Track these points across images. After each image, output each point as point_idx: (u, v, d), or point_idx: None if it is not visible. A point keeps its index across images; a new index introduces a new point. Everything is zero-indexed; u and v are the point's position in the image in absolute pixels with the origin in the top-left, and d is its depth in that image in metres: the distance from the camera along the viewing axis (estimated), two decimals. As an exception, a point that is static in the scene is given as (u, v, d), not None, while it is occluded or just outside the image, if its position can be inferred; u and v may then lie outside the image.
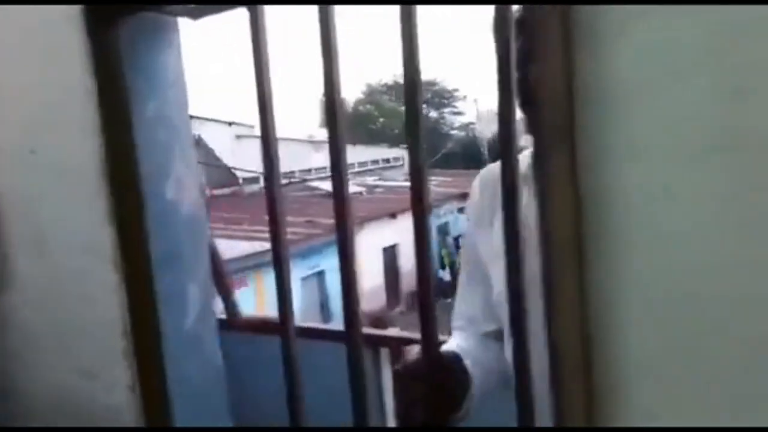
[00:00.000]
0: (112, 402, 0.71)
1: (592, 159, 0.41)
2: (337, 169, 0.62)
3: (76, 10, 0.65)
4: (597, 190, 0.41)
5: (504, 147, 0.50)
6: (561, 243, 0.45)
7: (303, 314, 7.99)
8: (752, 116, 0.36)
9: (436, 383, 0.65)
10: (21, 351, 0.80)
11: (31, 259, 0.77)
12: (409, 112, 0.55)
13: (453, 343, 0.78)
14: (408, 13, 0.52)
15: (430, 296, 0.58)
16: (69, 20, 0.65)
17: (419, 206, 0.56)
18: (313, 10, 0.60)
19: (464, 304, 0.89)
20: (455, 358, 0.71)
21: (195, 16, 0.73)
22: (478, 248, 0.84)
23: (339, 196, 0.61)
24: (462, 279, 0.87)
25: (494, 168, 0.87)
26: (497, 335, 0.79)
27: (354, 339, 0.61)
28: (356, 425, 0.61)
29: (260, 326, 1.49)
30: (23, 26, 0.70)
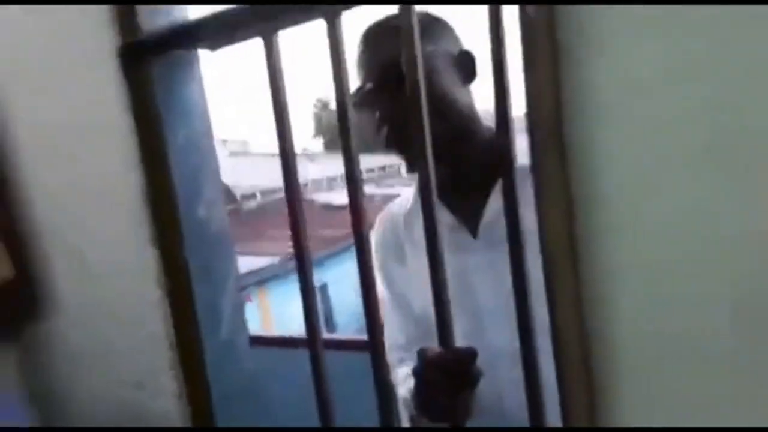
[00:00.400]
0: (160, 409, 0.76)
1: (580, 165, 0.47)
2: (352, 180, 0.67)
3: (111, 51, 0.71)
4: (587, 193, 0.47)
5: (503, 151, 0.55)
6: (556, 243, 0.49)
7: (309, 326, 8.02)
8: (721, 129, 0.42)
9: (458, 373, 0.70)
10: (70, 373, 0.86)
11: (76, 284, 0.83)
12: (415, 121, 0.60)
13: (403, 371, 0.85)
14: (408, 14, 0.56)
15: (443, 292, 0.62)
16: (105, 61, 0.72)
17: (430, 213, 0.62)
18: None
19: (397, 334, 0.98)
20: (470, 349, 0.75)
21: (213, 48, 0.79)
22: (393, 277, 0.96)
23: (355, 205, 0.66)
24: (386, 312, 0.97)
25: (390, 208, 1.00)
26: None
27: (376, 346, 0.66)
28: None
29: (286, 340, 1.55)
30: (62, 68, 0.77)
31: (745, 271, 0.43)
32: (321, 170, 14.97)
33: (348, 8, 0.63)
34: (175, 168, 0.76)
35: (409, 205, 0.97)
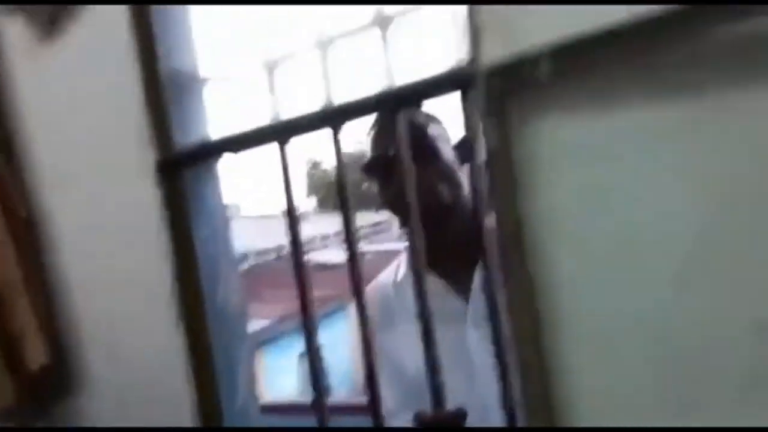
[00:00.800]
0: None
1: (539, 260, 0.60)
2: (350, 244, 0.79)
3: (150, 164, 0.85)
4: (545, 278, 0.59)
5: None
6: (521, 320, 0.62)
7: (303, 390, 7.88)
8: (645, 244, 0.55)
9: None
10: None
11: (106, 364, 0.94)
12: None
13: None
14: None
15: (434, 358, 0.73)
16: (143, 172, 0.86)
17: (418, 269, 0.73)
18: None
19: (386, 400, 1.04)
20: (461, 410, 0.84)
21: (236, 150, 0.91)
22: (382, 344, 0.98)
23: (353, 267, 0.77)
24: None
25: (378, 279, 1.12)
26: None
27: (377, 410, 0.76)
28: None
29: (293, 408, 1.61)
30: (107, 176, 0.91)
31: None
32: (314, 229, 15.04)
33: (351, 120, 0.78)
34: (199, 256, 0.88)
35: (401, 274, 1.10)
